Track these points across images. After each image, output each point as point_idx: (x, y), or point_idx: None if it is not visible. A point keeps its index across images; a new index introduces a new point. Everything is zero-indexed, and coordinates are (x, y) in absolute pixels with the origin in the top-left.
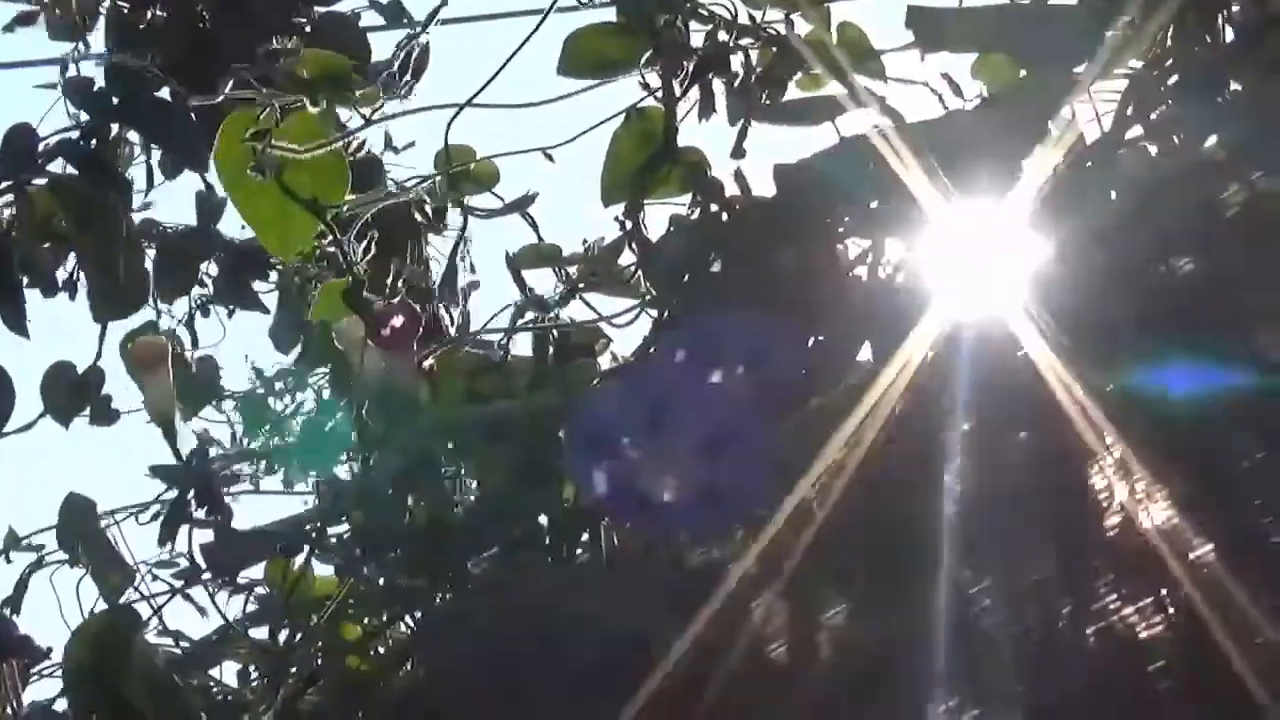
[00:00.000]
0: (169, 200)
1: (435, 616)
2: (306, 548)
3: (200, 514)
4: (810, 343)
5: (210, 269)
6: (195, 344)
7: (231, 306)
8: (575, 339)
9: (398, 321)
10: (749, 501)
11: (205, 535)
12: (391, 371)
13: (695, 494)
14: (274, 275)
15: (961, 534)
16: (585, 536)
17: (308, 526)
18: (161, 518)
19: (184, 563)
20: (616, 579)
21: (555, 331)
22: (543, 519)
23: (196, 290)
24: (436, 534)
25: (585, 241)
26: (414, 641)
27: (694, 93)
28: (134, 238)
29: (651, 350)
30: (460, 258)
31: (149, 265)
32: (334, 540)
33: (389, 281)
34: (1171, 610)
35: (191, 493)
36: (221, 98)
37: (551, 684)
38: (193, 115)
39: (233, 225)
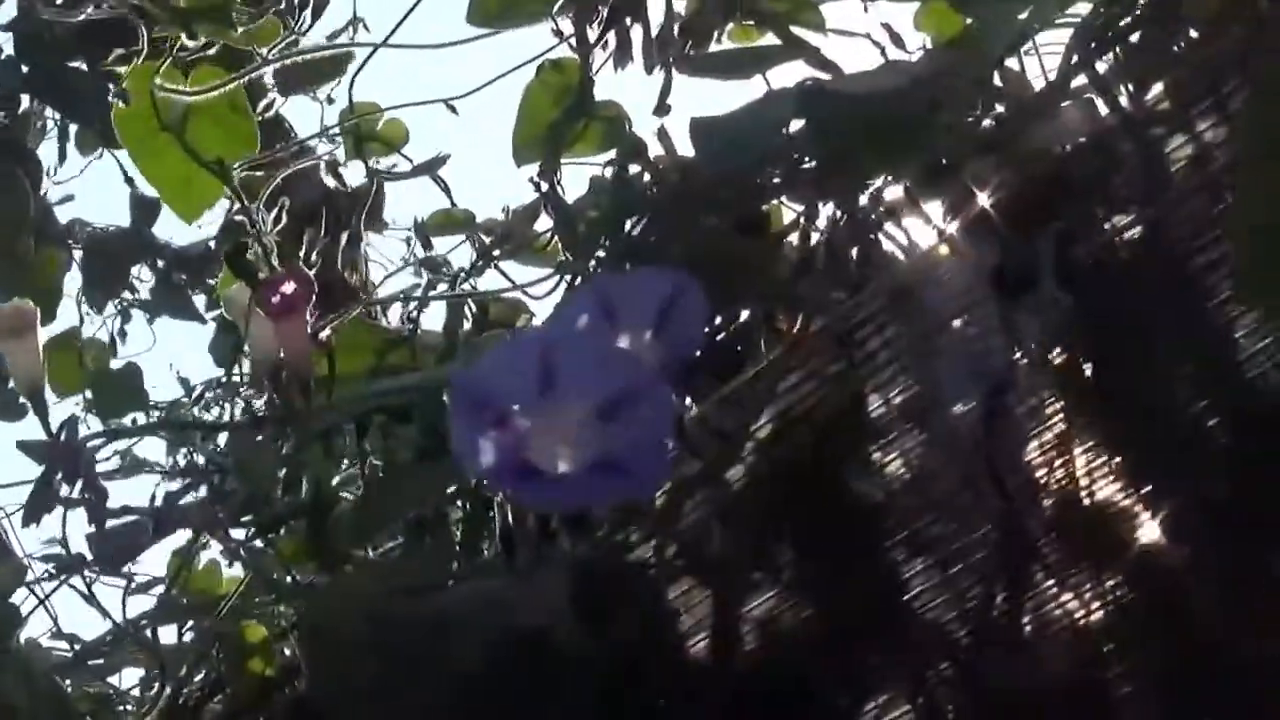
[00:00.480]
0: (104, 202)
1: (319, 610)
2: (192, 532)
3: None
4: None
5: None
6: (114, 350)
7: (164, 314)
8: (496, 312)
9: (288, 288)
10: (653, 474)
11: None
12: (283, 343)
13: (592, 465)
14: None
15: (893, 513)
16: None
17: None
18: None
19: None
20: (517, 569)
21: (471, 303)
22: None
23: (128, 295)
24: (323, 515)
25: (505, 208)
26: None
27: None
28: (52, 229)
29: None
30: (364, 222)
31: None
32: (217, 517)
33: (306, 249)
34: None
35: (59, 470)
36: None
37: (441, 686)
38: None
39: (171, 228)
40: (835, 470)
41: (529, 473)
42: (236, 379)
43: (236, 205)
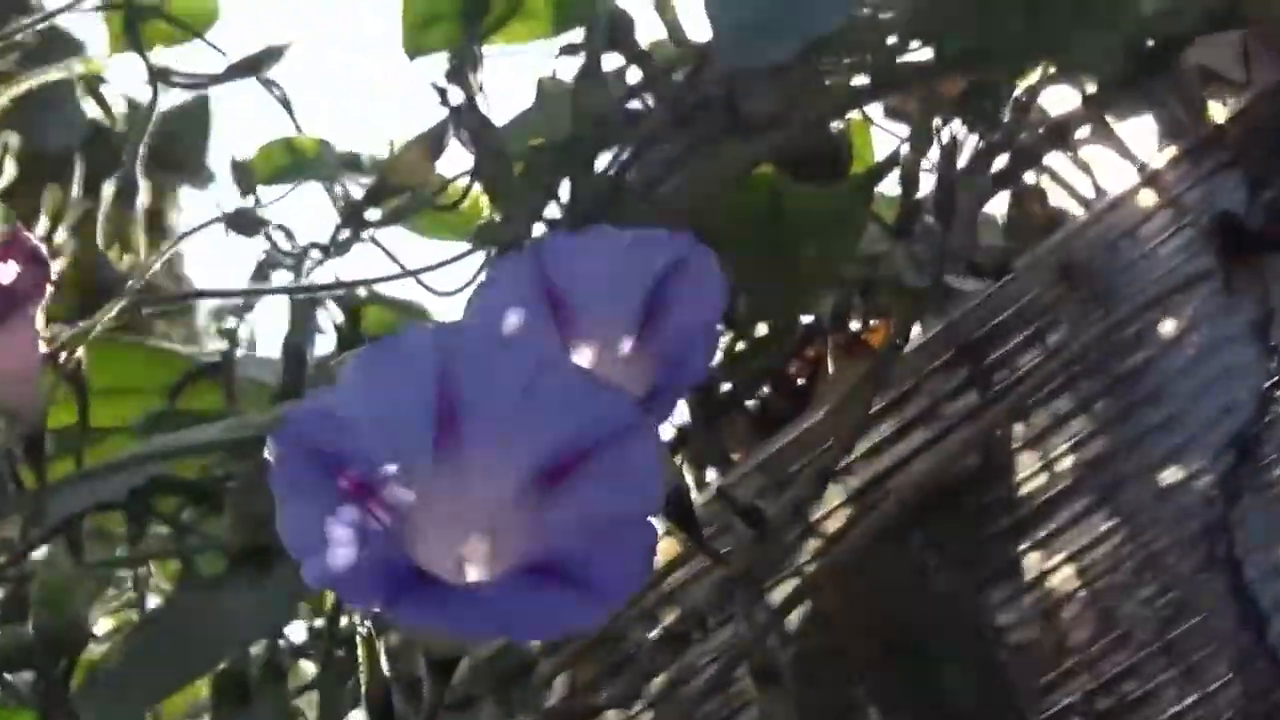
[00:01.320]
0: None
1: None
2: None
3: None
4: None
5: None
6: None
7: None
8: (375, 319)
9: (6, 273)
10: (619, 580)
11: None
12: None
13: (524, 570)
14: None
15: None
16: None
17: None
18: None
19: None
20: None
21: (331, 303)
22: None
23: None
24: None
25: (383, 136)
26: None
27: None
28: None
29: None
30: (143, 159)
31: None
32: None
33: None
34: None
35: None
36: None
37: None
38: None
39: None
40: (964, 595)
41: (415, 582)
42: None
43: None
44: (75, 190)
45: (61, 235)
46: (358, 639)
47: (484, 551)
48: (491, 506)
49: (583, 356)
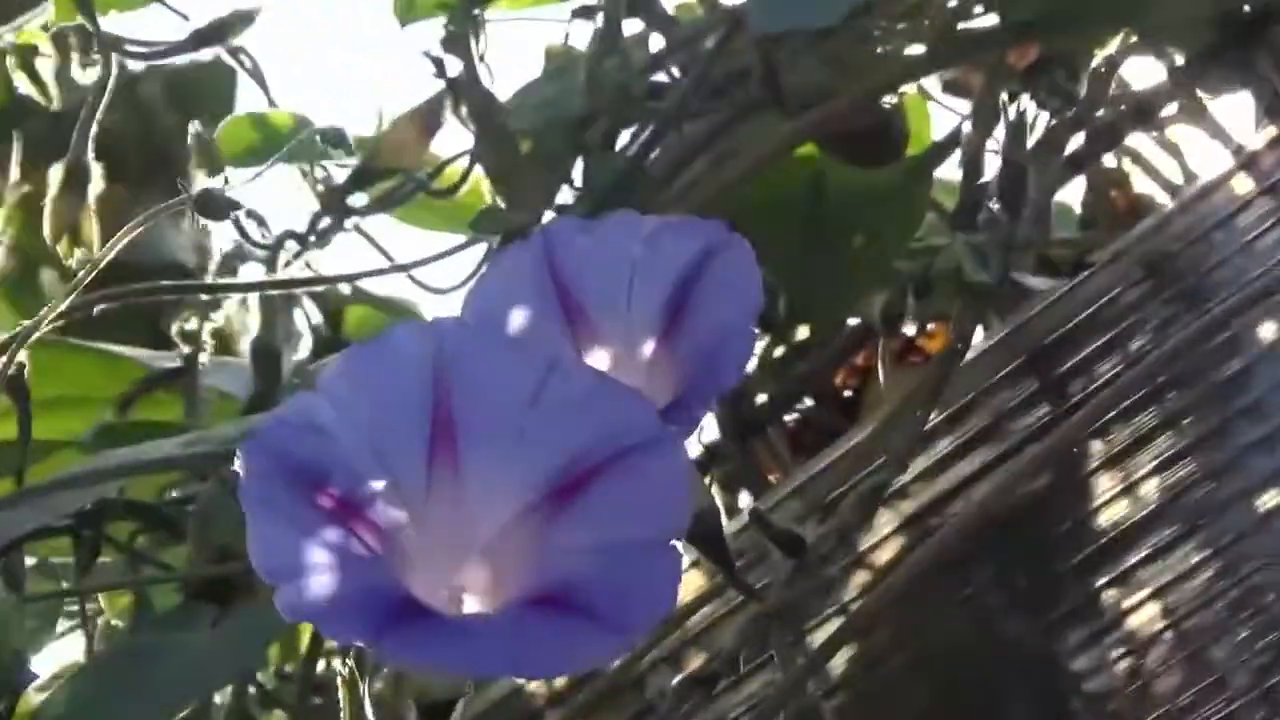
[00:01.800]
0: None
1: None
2: None
3: None
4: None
5: None
6: None
7: None
8: (359, 320)
9: None
10: (637, 613)
11: None
12: None
13: (528, 597)
14: None
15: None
16: None
17: None
18: None
19: None
20: None
21: (308, 301)
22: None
23: None
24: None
25: (379, 113)
26: None
27: None
28: None
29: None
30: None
31: None
32: None
33: None
34: None
35: None
36: None
37: None
38: None
39: None
40: (1033, 638)
41: (405, 613)
42: None
43: None
44: (13, 173)
45: None
46: (338, 682)
47: (484, 579)
48: (492, 528)
49: (598, 359)
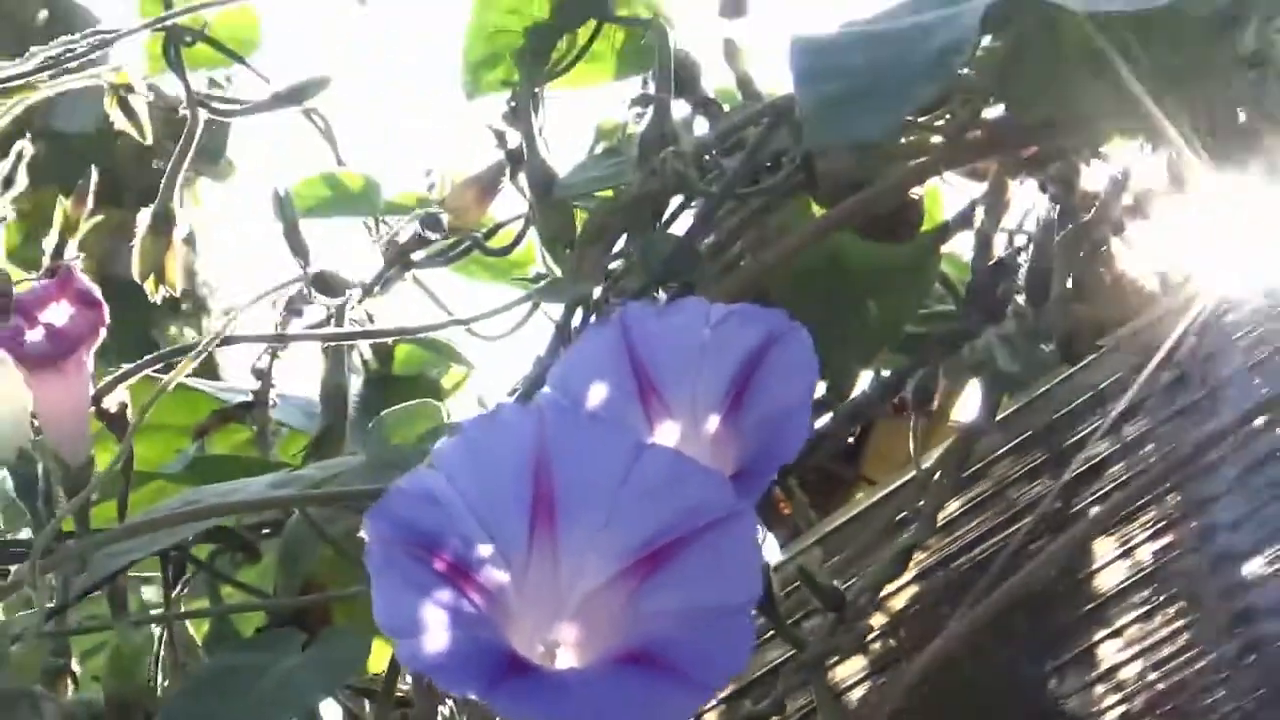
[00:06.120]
0: None
1: None
2: None
3: None
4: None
5: None
6: None
7: None
8: (408, 359)
9: (60, 315)
10: (717, 670)
11: None
12: (47, 416)
13: (618, 655)
14: None
15: None
16: None
17: None
18: None
19: None
20: None
21: (364, 348)
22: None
23: None
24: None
25: (428, 173)
26: None
27: None
28: None
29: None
30: (182, 186)
31: None
32: None
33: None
34: None
35: None
36: None
37: None
38: None
39: None
40: (1031, 677)
41: (509, 669)
42: None
43: None
44: (89, 203)
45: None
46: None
47: (576, 636)
48: (585, 591)
49: (667, 431)
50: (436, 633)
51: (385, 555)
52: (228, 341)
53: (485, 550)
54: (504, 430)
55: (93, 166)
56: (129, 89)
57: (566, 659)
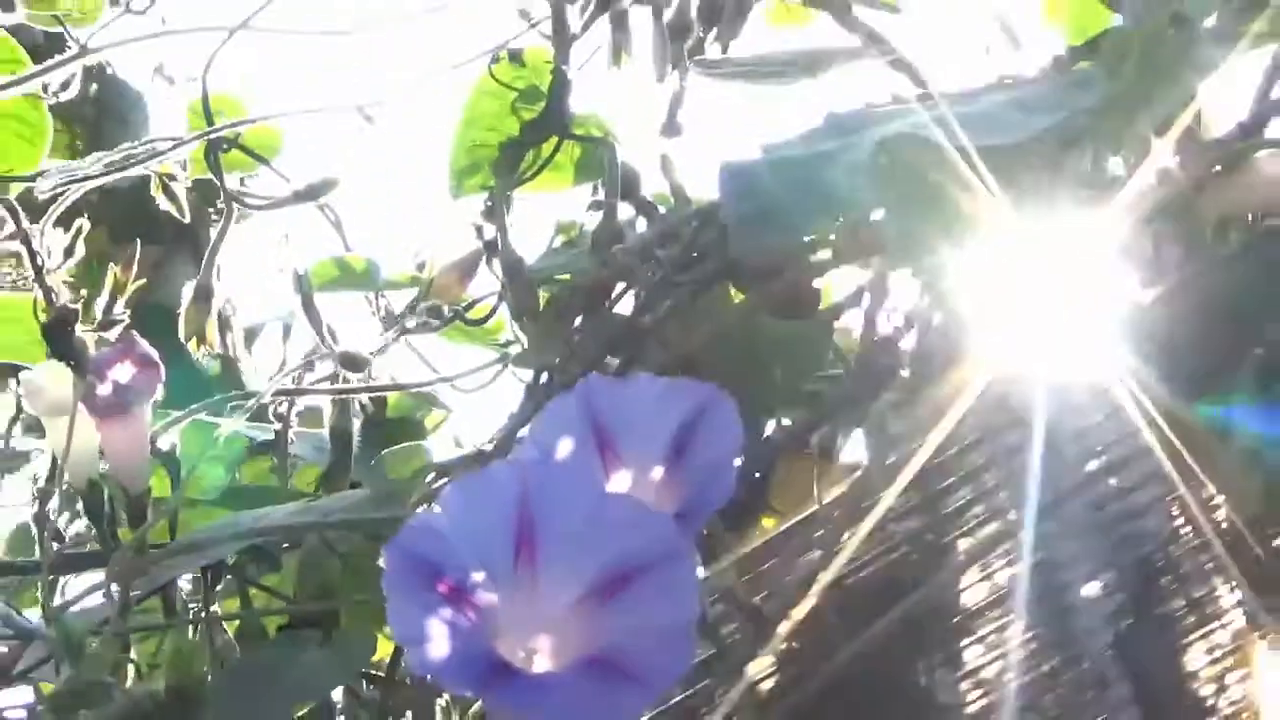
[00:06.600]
0: None
1: None
2: None
3: None
4: (771, 427)
5: None
6: None
7: None
8: (398, 406)
9: (124, 375)
10: (664, 674)
11: None
12: (114, 454)
13: (584, 661)
14: None
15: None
16: None
17: None
18: None
19: None
20: None
21: (365, 398)
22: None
23: None
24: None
25: (418, 257)
26: None
27: (600, 27)
28: None
29: (519, 434)
30: (216, 268)
31: None
32: None
33: (109, 297)
34: None
35: None
36: None
37: None
38: None
39: None
40: (907, 673)
41: (497, 671)
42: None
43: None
44: (134, 270)
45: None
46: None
47: (550, 645)
48: (559, 610)
49: (621, 479)
50: (439, 642)
51: (398, 579)
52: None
53: (478, 576)
54: (494, 481)
55: (138, 241)
56: (171, 177)
57: (543, 664)
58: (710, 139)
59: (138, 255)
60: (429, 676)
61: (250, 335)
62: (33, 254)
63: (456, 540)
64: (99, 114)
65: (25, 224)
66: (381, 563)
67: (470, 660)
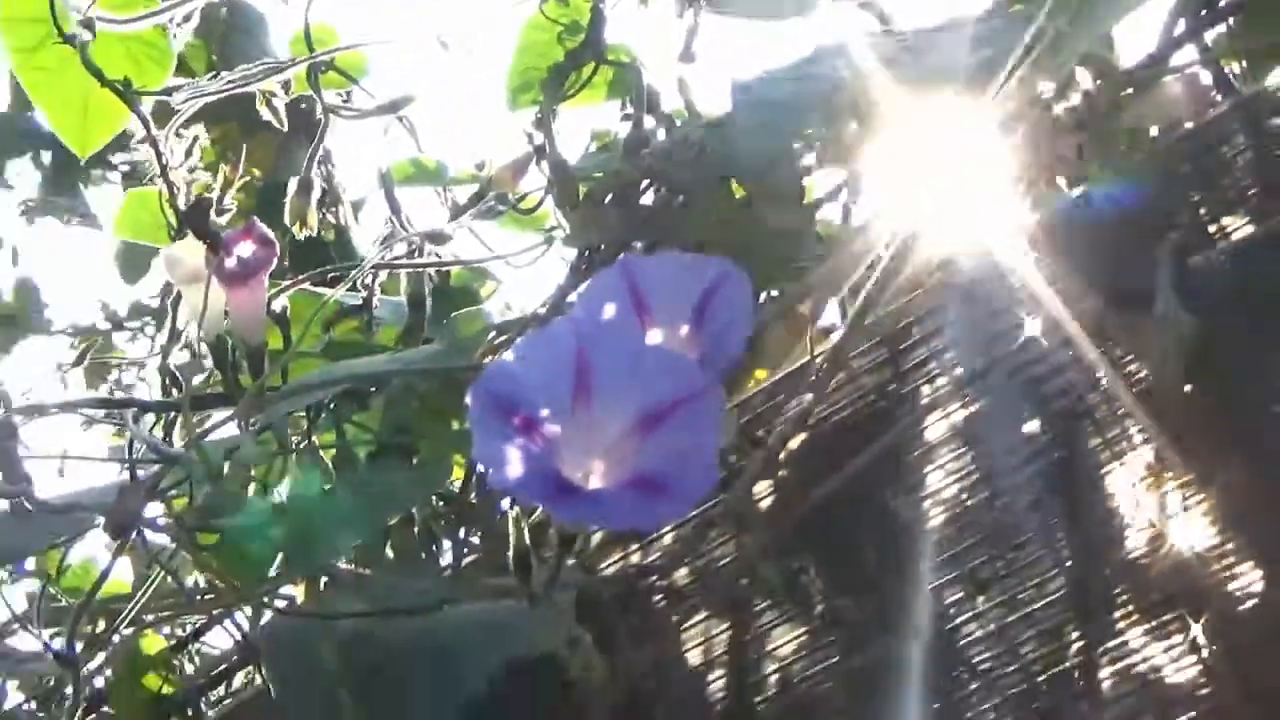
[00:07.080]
0: None
1: (285, 627)
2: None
3: None
4: (764, 296)
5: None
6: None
7: (51, 216)
8: (458, 278)
9: (247, 251)
10: (694, 490)
11: None
12: (237, 315)
13: (632, 481)
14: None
15: (947, 546)
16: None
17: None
18: None
19: None
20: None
21: (434, 271)
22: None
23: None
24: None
25: (479, 159)
26: (249, 653)
27: None
28: None
29: (567, 300)
30: (318, 166)
31: None
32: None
33: (219, 191)
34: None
35: None
36: None
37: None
38: None
39: None
40: (879, 494)
41: (561, 488)
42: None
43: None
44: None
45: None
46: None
47: (604, 467)
48: (609, 439)
49: (655, 335)
50: (514, 464)
51: (480, 413)
52: (360, 266)
53: (545, 412)
54: (556, 336)
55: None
56: (272, 94)
57: (596, 482)
58: (718, 65)
59: (243, 157)
60: (504, 491)
61: (356, 207)
62: (159, 155)
63: (527, 382)
64: (228, 30)
65: (154, 130)
66: (457, 402)
67: (540, 478)
